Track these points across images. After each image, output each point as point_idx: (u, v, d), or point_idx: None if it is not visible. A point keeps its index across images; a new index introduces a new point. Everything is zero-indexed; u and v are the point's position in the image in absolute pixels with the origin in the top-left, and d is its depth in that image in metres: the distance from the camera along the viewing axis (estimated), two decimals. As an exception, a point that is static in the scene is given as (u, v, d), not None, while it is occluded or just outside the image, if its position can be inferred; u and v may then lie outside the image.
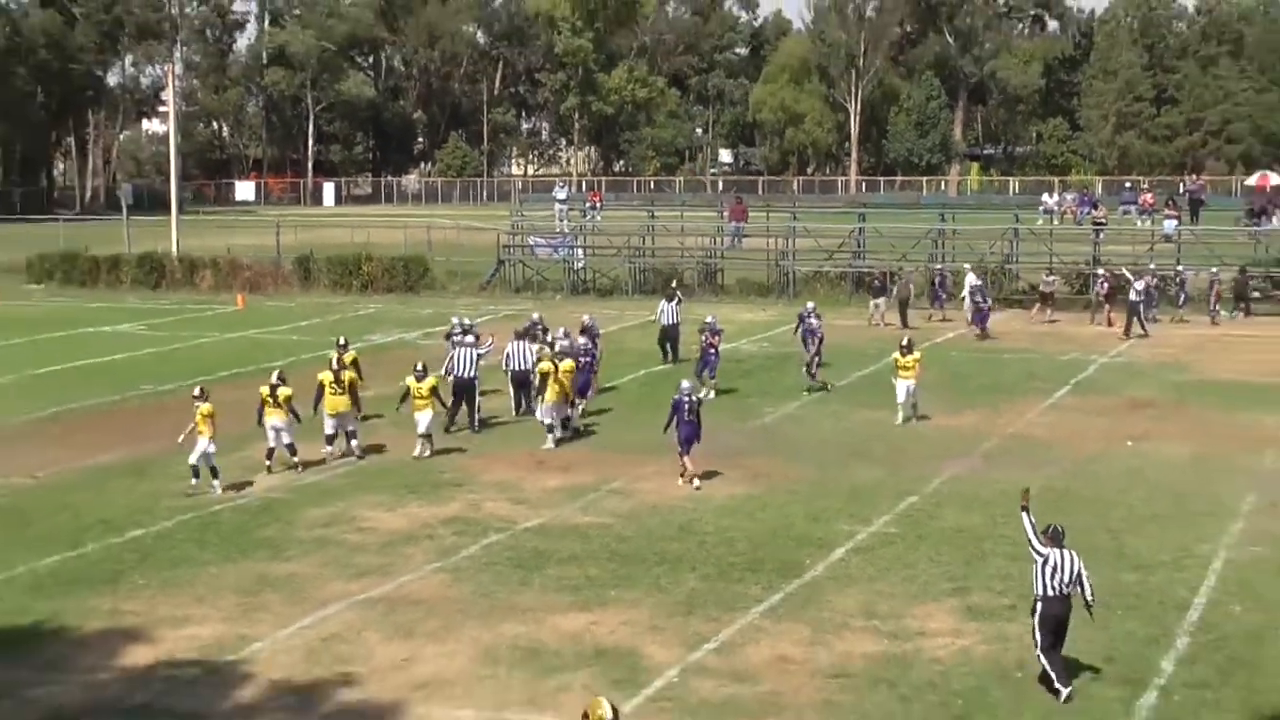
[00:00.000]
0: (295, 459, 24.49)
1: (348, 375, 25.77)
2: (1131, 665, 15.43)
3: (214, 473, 23.02)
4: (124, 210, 68.08)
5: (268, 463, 24.33)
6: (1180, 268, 46.26)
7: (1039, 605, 15.00)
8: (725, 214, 61.33)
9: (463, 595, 17.75)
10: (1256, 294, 45.77)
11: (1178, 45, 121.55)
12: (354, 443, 25.59)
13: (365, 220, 70.01)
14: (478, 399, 28.00)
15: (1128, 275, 42.74)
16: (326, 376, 25.34)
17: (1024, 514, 15.57)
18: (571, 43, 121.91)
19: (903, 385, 28.27)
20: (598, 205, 73.70)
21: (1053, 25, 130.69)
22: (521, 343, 29.19)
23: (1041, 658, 14.93)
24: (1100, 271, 44.59)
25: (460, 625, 16.68)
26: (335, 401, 25.20)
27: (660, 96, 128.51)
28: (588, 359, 29.34)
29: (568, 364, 27.19)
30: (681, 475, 23.81)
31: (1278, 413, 29.52)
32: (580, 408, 28.47)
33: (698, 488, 23.33)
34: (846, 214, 65.36)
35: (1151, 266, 44.87)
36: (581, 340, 30.15)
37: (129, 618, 17.18)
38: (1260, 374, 34.30)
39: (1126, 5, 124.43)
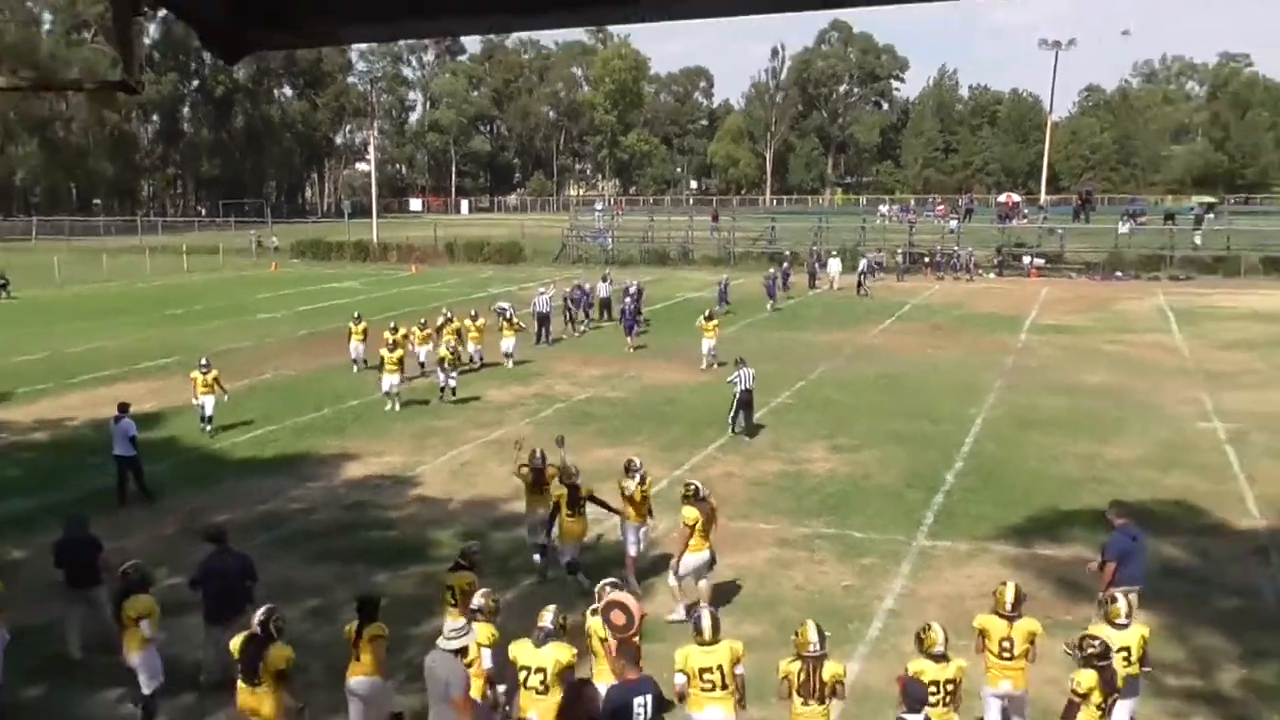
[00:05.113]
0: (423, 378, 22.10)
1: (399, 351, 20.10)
2: (929, 478, 15.33)
3: (209, 420, 17.93)
4: (345, 216, 67.71)
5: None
6: (956, 249, 45.55)
7: (736, 395, 17.07)
8: (710, 217, 61.24)
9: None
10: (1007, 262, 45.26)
11: (958, 117, 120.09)
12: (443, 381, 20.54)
13: (485, 222, 69.40)
14: (550, 325, 27.53)
15: (860, 254, 42.06)
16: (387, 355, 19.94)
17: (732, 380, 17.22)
18: (604, 118, 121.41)
19: (706, 343, 23.68)
20: (620, 213, 72.99)
21: (885, 106, 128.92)
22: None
23: (732, 417, 17.18)
24: (867, 254, 42.62)
25: (541, 455, 16.59)
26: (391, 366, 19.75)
27: (656, 150, 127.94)
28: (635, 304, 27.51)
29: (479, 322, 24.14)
30: (627, 345, 25.64)
31: (1015, 332, 29.24)
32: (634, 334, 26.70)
33: (630, 351, 25.29)
34: (764, 218, 64.89)
35: (879, 250, 44.49)
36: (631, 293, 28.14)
37: (350, 451, 17.11)
38: (1006, 310, 33.90)
39: (929, 94, 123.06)
